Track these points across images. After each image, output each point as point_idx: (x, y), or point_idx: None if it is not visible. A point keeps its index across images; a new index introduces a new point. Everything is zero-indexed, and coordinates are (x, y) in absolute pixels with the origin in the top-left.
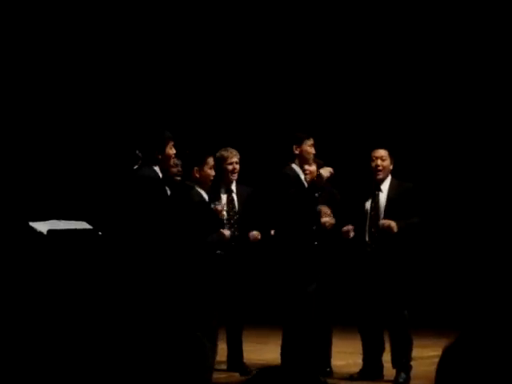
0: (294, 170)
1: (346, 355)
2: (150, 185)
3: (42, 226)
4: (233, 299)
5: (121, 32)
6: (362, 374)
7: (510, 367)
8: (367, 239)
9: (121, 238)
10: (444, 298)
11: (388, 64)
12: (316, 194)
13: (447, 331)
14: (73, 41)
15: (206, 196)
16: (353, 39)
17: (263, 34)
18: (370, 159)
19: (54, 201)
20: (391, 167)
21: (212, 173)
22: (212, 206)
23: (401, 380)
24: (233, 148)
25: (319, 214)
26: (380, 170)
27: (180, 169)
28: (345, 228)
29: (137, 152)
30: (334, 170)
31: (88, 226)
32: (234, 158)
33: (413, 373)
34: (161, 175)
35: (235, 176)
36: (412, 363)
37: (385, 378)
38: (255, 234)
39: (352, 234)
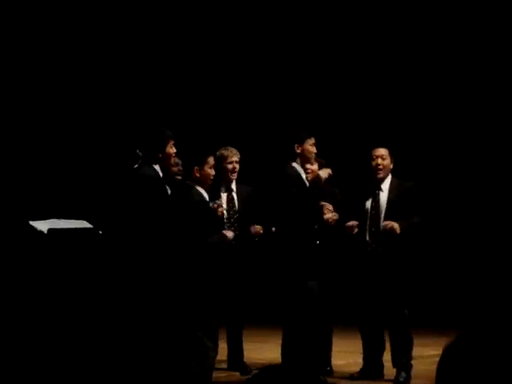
0: (295, 169)
1: (347, 354)
2: (150, 184)
3: (42, 225)
4: (233, 298)
5: (121, 32)
6: (362, 374)
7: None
8: (368, 238)
9: (121, 237)
10: (444, 297)
11: (388, 64)
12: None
13: (448, 330)
14: (73, 41)
15: (206, 195)
16: (353, 39)
17: (264, 34)
18: (371, 158)
19: (55, 200)
20: (391, 166)
21: (212, 172)
22: (211, 204)
23: (401, 379)
24: (233, 147)
25: (321, 211)
26: (380, 169)
27: (181, 168)
28: (349, 223)
29: (137, 151)
30: (333, 169)
31: (88, 225)
32: (234, 157)
33: (413, 372)
34: (161, 174)
35: (235, 176)
36: (412, 362)
37: (385, 377)
38: (257, 228)
39: (356, 230)
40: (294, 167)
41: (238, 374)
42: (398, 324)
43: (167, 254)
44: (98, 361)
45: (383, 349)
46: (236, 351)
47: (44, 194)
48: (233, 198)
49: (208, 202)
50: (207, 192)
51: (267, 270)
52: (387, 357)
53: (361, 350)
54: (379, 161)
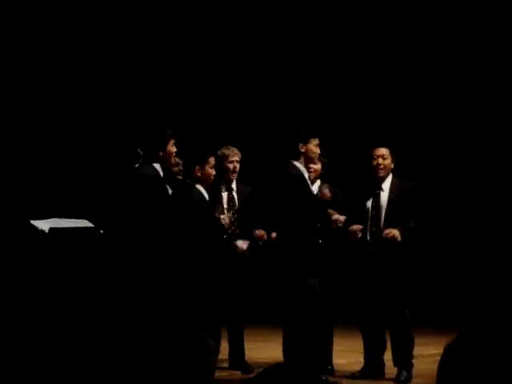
0: (297, 169)
1: (348, 353)
2: (151, 183)
3: (43, 224)
4: (234, 297)
5: (121, 32)
6: (363, 373)
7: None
8: (368, 238)
9: (122, 237)
10: (445, 296)
11: (389, 63)
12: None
13: (448, 329)
14: (73, 41)
15: (206, 195)
16: (354, 39)
17: (266, 33)
18: (371, 158)
19: (56, 199)
20: (392, 166)
21: (213, 172)
22: (217, 215)
23: (402, 378)
24: (234, 147)
25: (326, 212)
26: (381, 169)
27: (181, 168)
28: (353, 227)
29: (138, 150)
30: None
31: (89, 225)
32: (235, 156)
33: (414, 371)
34: (162, 173)
35: (235, 175)
36: (413, 361)
37: (386, 376)
38: (262, 232)
39: (360, 235)
40: (296, 167)
41: (239, 373)
42: (398, 323)
43: (168, 254)
44: (100, 360)
45: (384, 348)
46: (237, 350)
47: (45, 193)
48: (233, 198)
49: (208, 202)
50: (207, 191)
51: (269, 269)
52: (388, 356)
53: (362, 349)
54: (380, 160)
